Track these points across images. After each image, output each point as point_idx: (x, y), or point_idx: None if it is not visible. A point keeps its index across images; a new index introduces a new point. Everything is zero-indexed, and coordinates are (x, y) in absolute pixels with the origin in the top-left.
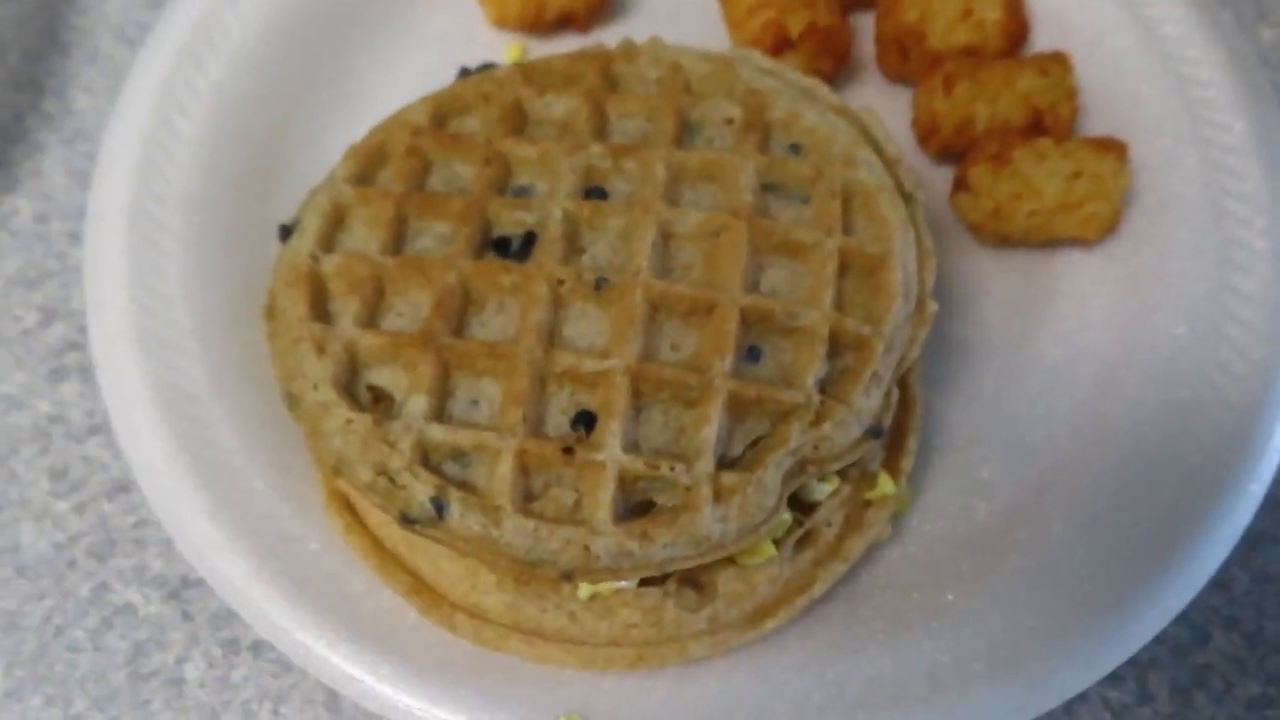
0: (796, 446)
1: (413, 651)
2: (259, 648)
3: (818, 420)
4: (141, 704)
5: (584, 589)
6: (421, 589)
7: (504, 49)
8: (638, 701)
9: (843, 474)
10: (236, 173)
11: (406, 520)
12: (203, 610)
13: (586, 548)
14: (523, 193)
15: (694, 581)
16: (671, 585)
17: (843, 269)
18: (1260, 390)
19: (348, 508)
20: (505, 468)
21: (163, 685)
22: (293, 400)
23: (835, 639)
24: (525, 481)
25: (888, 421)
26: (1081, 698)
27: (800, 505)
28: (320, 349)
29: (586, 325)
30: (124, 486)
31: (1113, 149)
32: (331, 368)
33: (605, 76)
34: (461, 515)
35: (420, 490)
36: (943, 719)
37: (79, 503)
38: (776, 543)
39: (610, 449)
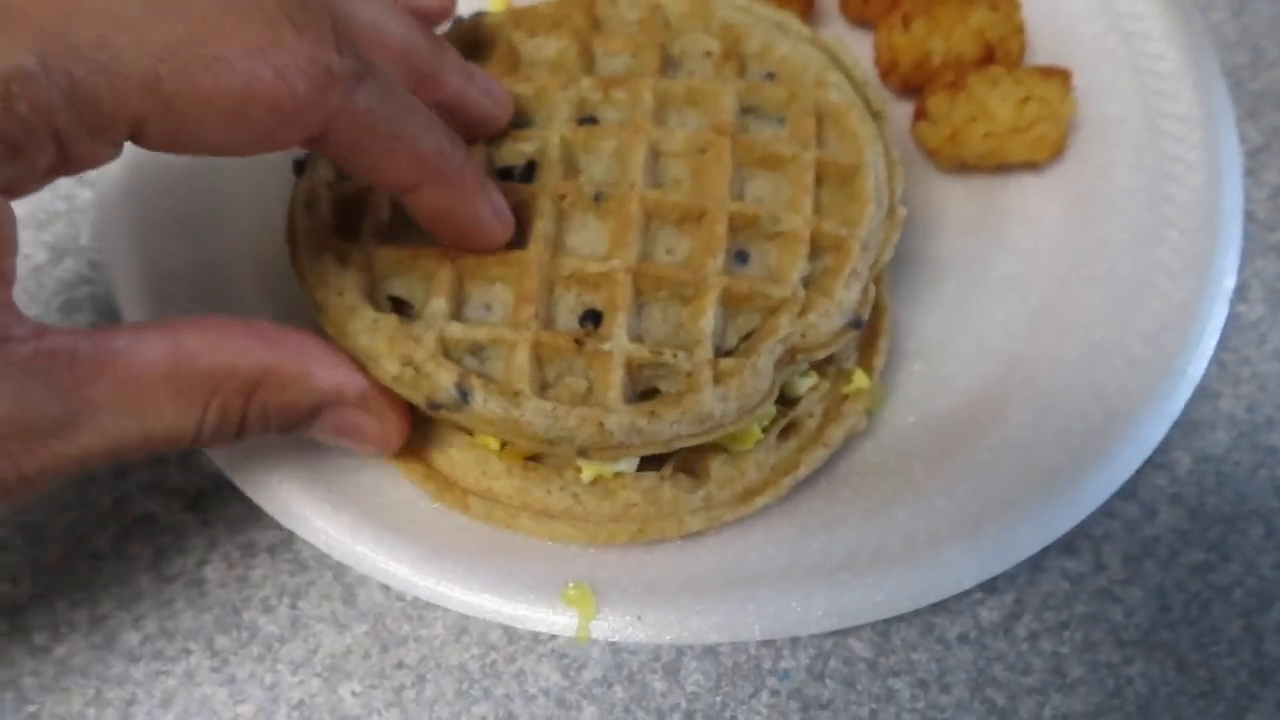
0: (786, 335)
1: (430, 535)
2: (275, 549)
3: (804, 311)
4: (165, 603)
5: (587, 472)
6: (436, 476)
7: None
8: (640, 571)
9: (821, 371)
10: None
11: (434, 406)
12: (220, 517)
13: (601, 424)
14: (521, 125)
15: (688, 468)
16: (668, 470)
17: (819, 179)
18: (1195, 284)
19: None
20: (522, 358)
21: (185, 586)
22: (320, 306)
23: (818, 516)
24: (540, 372)
25: (866, 314)
26: (1042, 569)
27: (784, 399)
28: (343, 261)
29: (588, 235)
30: None
31: (1058, 75)
32: (354, 275)
33: (590, 18)
34: (484, 400)
35: (445, 378)
36: (916, 575)
37: None
38: (763, 431)
39: (618, 339)
